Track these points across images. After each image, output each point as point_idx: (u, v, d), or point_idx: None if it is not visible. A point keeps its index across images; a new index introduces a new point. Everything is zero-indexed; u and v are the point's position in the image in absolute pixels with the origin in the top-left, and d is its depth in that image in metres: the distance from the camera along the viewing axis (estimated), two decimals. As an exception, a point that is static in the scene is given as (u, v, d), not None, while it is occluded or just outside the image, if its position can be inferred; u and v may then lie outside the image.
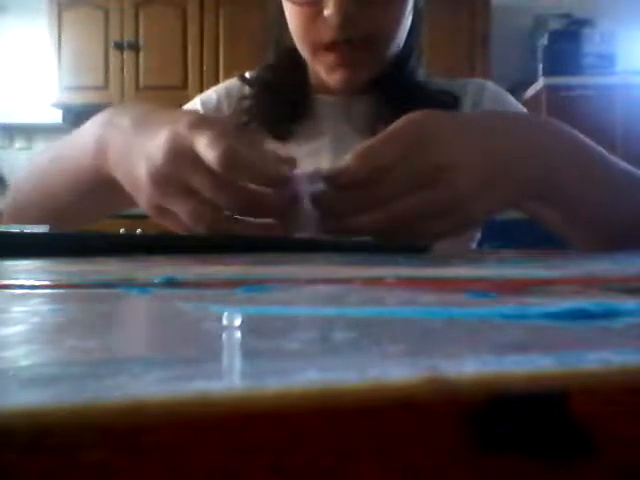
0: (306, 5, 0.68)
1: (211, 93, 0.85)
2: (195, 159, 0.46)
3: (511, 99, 0.83)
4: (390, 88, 0.75)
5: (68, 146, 0.63)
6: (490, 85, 0.83)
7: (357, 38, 0.68)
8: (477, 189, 0.48)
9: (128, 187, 0.54)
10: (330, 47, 0.68)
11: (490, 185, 0.49)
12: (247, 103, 0.80)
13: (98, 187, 0.60)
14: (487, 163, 0.50)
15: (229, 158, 0.45)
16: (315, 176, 0.48)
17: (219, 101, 0.84)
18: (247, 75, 0.84)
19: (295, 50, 0.75)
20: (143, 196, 0.51)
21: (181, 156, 0.47)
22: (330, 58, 0.69)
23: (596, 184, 0.56)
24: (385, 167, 0.46)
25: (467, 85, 0.82)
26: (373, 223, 0.47)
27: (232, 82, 0.85)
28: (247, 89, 0.81)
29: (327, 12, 0.66)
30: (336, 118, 0.78)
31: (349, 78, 0.70)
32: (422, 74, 0.81)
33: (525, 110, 0.82)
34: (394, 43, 0.71)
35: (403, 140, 0.47)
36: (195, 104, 0.85)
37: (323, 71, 0.72)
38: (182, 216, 0.49)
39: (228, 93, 0.84)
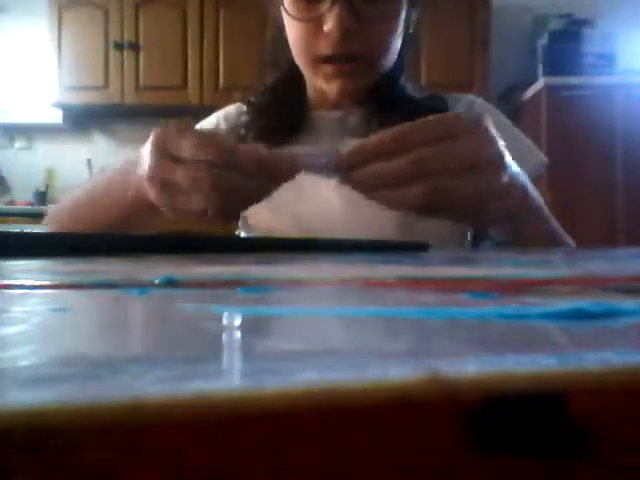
0: (307, 21, 0.74)
1: (211, 117, 0.91)
2: (180, 134, 0.52)
3: (499, 112, 0.87)
4: (382, 101, 0.81)
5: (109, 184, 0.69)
6: (480, 100, 0.88)
7: (354, 52, 0.74)
8: (488, 158, 0.51)
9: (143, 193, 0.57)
10: (329, 60, 0.75)
11: (490, 167, 0.53)
12: (246, 118, 0.85)
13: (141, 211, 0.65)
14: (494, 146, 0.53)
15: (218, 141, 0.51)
16: (330, 153, 0.49)
17: (217, 123, 0.89)
18: (248, 100, 0.88)
19: (293, 69, 0.80)
20: (147, 179, 0.54)
21: (168, 134, 0.53)
22: (329, 69, 0.76)
23: (540, 219, 0.66)
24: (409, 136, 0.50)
25: (460, 100, 0.87)
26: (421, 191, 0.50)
27: (231, 107, 0.91)
28: (245, 108, 0.86)
29: (327, 27, 0.72)
30: (333, 131, 0.83)
31: (346, 87, 0.77)
32: (411, 89, 0.86)
33: (512, 126, 0.86)
34: (386, 57, 0.78)
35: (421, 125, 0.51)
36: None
37: (322, 81, 0.78)
38: (179, 180, 0.51)
39: (226, 116, 0.89)
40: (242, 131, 0.83)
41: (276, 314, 0.16)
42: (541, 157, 0.83)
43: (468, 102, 0.86)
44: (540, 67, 3.05)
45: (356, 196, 0.77)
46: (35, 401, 0.08)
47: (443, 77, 2.90)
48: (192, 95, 3.21)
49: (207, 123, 0.90)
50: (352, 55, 0.74)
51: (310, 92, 0.84)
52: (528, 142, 0.84)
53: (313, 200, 0.78)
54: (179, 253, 0.42)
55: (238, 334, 0.14)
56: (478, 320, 0.15)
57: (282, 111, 0.84)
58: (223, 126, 0.88)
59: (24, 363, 0.11)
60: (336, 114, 0.83)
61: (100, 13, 3.25)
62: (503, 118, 0.86)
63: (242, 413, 0.08)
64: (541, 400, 0.09)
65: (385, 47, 0.77)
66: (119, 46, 3.23)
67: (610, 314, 0.14)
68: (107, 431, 0.08)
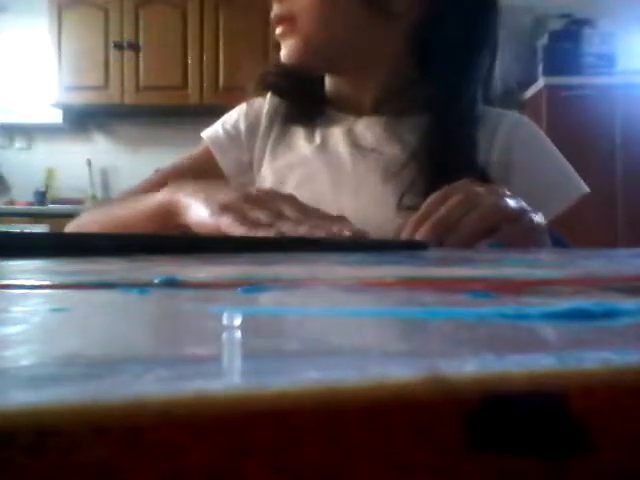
0: None
1: (233, 111, 0.89)
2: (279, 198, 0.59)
3: (545, 140, 0.83)
4: (396, 109, 0.80)
5: (130, 207, 0.73)
6: (524, 121, 0.85)
7: (282, 13, 0.76)
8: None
9: (199, 215, 0.60)
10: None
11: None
12: (269, 106, 0.85)
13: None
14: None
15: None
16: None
17: (237, 119, 0.87)
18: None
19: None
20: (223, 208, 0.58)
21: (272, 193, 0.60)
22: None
23: None
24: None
25: (502, 118, 0.83)
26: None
27: (255, 101, 0.89)
28: (267, 101, 0.86)
29: None
30: (344, 139, 0.82)
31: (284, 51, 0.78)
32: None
33: (559, 155, 0.82)
34: (312, 19, 0.77)
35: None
36: (218, 125, 0.89)
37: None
38: (262, 217, 0.55)
39: (247, 112, 0.87)
40: (266, 120, 0.83)
41: (276, 314, 0.16)
42: (580, 186, 0.78)
43: (511, 123, 0.82)
44: (540, 67, 3.05)
45: (359, 187, 0.78)
46: (35, 401, 0.08)
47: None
48: (192, 95, 3.21)
49: (227, 117, 0.88)
50: (283, 16, 0.76)
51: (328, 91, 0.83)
52: (567, 169, 0.80)
53: (318, 193, 0.77)
54: (179, 253, 0.42)
55: (238, 334, 0.14)
56: (478, 320, 0.15)
57: (302, 91, 0.83)
58: (242, 124, 0.86)
59: (24, 363, 0.11)
60: (352, 122, 0.81)
61: (100, 13, 3.25)
62: (546, 142, 0.83)
63: (242, 413, 0.08)
64: (541, 400, 0.09)
65: (310, 12, 0.76)
66: (119, 46, 3.23)
67: (610, 314, 0.14)
68: (107, 431, 0.08)
